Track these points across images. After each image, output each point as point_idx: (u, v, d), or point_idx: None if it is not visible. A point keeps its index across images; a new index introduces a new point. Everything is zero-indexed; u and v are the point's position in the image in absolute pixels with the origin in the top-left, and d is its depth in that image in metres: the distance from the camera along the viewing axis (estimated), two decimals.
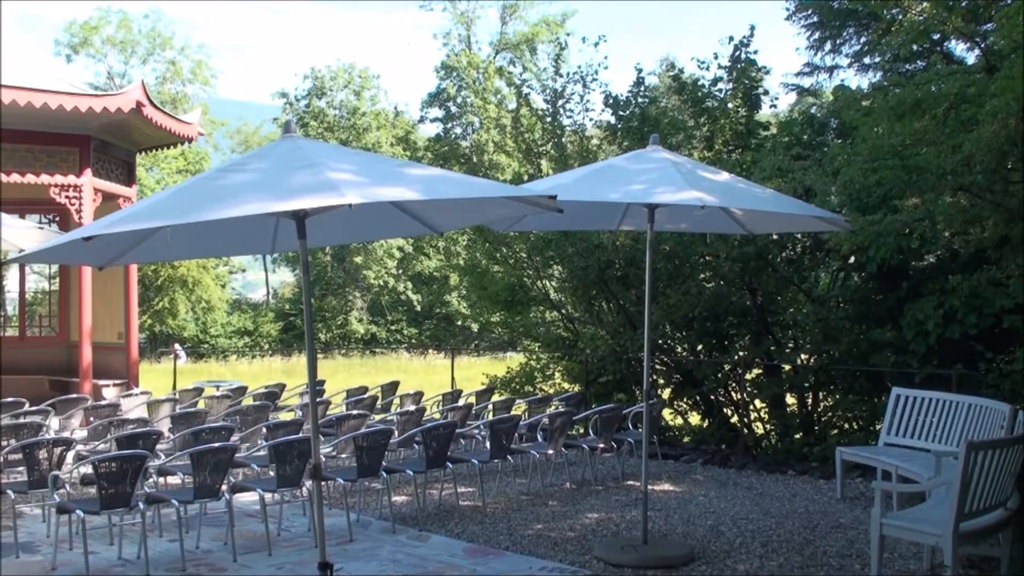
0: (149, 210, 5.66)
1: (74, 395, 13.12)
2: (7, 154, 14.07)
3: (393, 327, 49.39)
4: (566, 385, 15.29)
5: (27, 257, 7.64)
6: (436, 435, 9.28)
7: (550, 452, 10.44)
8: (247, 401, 12.97)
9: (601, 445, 10.82)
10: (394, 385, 14.55)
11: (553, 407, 11.77)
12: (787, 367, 12.68)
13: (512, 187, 7.09)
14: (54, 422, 11.12)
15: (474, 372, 20.96)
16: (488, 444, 9.94)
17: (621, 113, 14.26)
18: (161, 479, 9.46)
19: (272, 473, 8.40)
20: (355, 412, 10.74)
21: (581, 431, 12.24)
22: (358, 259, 48.95)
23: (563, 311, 16.02)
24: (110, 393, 14.51)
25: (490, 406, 12.54)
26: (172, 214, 5.35)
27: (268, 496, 8.39)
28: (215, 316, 47.91)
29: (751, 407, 13.24)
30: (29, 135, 14.23)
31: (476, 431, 11.15)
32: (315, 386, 6.06)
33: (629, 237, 13.41)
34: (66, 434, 10.41)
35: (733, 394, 13.40)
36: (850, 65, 15.77)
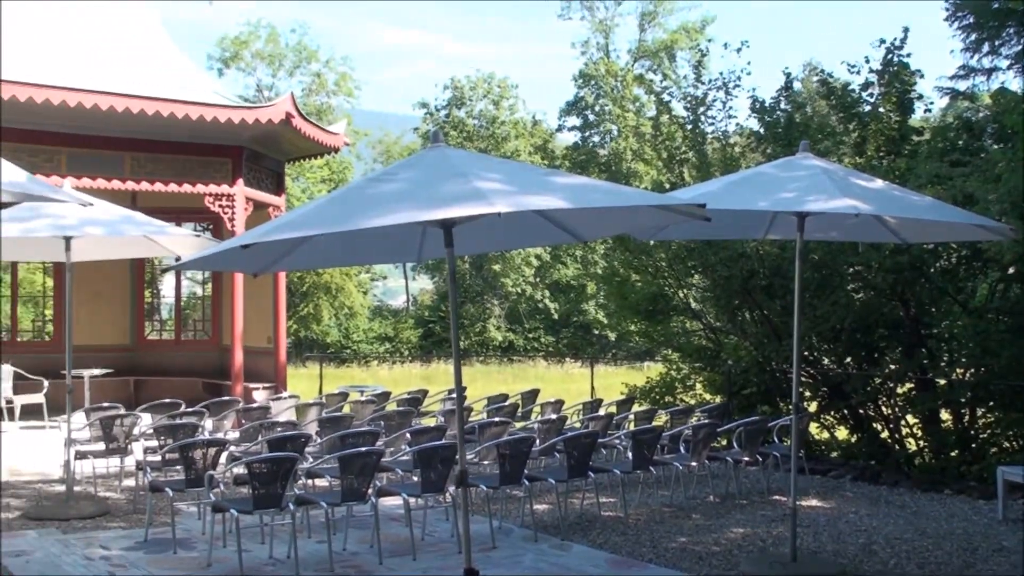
0: (304, 219, 5.81)
1: (226, 397, 13.55)
2: (166, 164, 14.67)
3: (530, 335, 49.55)
4: (707, 396, 15.06)
5: (188, 264, 7.96)
6: (578, 444, 9.23)
7: (693, 464, 10.28)
8: (391, 406, 13.17)
9: (746, 458, 10.60)
10: (534, 393, 14.56)
11: (695, 418, 11.60)
12: (942, 381, 12.18)
13: (660, 196, 7.01)
14: (208, 423, 11.49)
15: (612, 381, 20.86)
16: (630, 454, 9.85)
17: (767, 119, 13.97)
18: (309, 481, 9.70)
19: (416, 478, 8.50)
20: (497, 419, 10.79)
21: (724, 443, 12.02)
22: (496, 267, 49.31)
23: (704, 321, 15.78)
24: (260, 396, 14.93)
25: (631, 416, 12.42)
26: (326, 223, 5.47)
27: (412, 501, 8.48)
28: (357, 322, 48.91)
29: (903, 422, 12.77)
30: (186, 146, 14.81)
31: (617, 441, 11.06)
32: (461, 392, 6.09)
33: (775, 246, 13.11)
34: (220, 435, 10.77)
35: (884, 408, 12.95)
36: (1010, 67, 15.06)
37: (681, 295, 15.47)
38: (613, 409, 12.94)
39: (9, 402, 14.52)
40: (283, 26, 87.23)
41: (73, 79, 13.25)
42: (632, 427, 11.44)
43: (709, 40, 50.86)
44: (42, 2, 15.97)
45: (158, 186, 14.51)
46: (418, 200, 5.32)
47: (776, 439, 11.47)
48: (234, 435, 11.26)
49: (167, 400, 12.33)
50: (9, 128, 12.90)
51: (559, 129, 55.78)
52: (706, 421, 10.74)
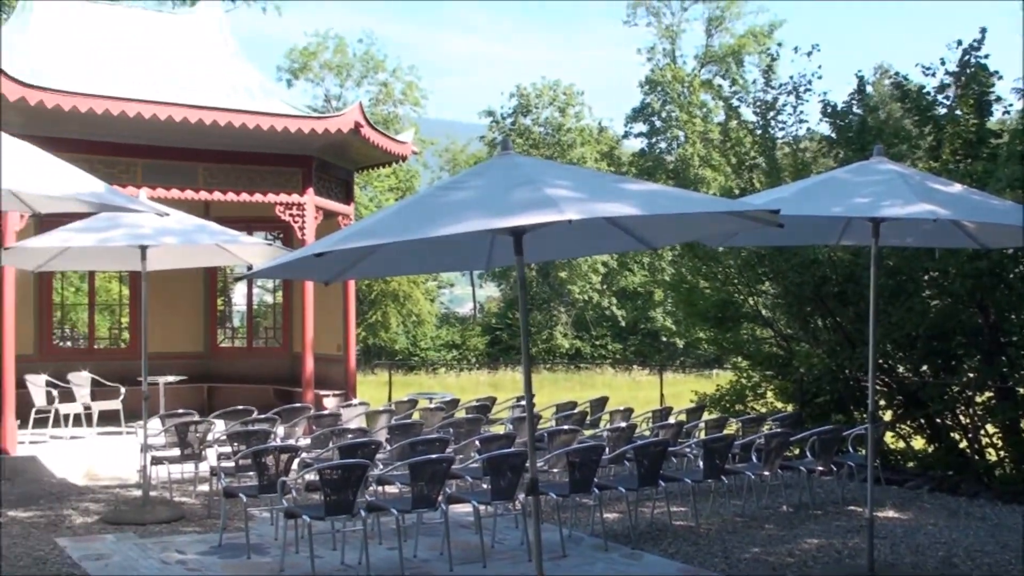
0: (376, 227, 5.83)
1: (297, 404, 13.65)
2: (238, 174, 14.88)
3: (598, 342, 49.40)
4: (779, 404, 14.84)
5: (260, 273, 8.05)
6: (648, 452, 9.16)
7: (766, 473, 10.13)
8: (459, 414, 13.19)
9: (820, 468, 10.42)
10: (603, 401, 14.49)
11: (767, 427, 11.44)
12: (1023, 390, 11.85)
13: (732, 202, 6.92)
14: (280, 430, 11.61)
15: (680, 389, 20.69)
16: (701, 463, 9.74)
17: (839, 123, 13.75)
18: (380, 487, 9.74)
19: (486, 485, 8.49)
20: (566, 427, 10.74)
21: (797, 452, 11.83)
22: (563, 274, 49.27)
23: (775, 328, 15.56)
24: (330, 403, 15.06)
25: (701, 424, 12.30)
26: (398, 231, 5.49)
27: (482, 508, 8.48)
28: (424, 330, 49.21)
29: (982, 432, 12.46)
30: (257, 156, 14.99)
31: (688, 450, 10.95)
32: (531, 400, 6.07)
33: (848, 252, 12.89)
34: (291, 442, 10.88)
35: (962, 418, 12.64)
36: None
37: (751, 302, 15.27)
38: (683, 417, 12.82)
39: (87, 408, 14.83)
40: (350, 36, 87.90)
41: (148, 91, 13.53)
42: (703, 435, 11.32)
43: (779, 44, 50.41)
44: (116, 14, 16.36)
45: (230, 196, 14.70)
46: (488, 208, 5.31)
47: (851, 448, 11.26)
48: (305, 441, 11.36)
49: (240, 407, 12.47)
50: (88, 140, 13.26)
51: (625, 136, 55.60)
52: (778, 430, 10.59)
